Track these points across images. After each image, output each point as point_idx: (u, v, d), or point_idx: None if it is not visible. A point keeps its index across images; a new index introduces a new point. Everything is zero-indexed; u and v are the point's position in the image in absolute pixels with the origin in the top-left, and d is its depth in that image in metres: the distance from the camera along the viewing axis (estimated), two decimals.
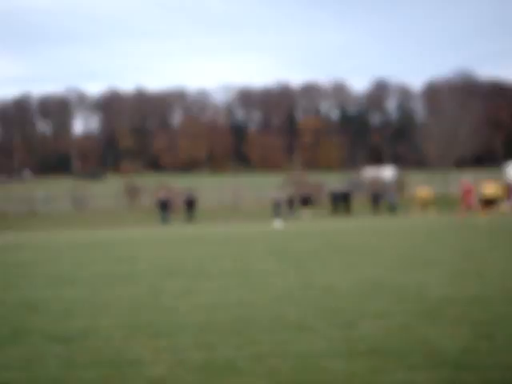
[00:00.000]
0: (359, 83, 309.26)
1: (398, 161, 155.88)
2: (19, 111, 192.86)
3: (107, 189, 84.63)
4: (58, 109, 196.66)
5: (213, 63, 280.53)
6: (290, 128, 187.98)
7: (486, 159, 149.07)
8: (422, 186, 53.26)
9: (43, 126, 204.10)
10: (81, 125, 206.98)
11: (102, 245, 30.09)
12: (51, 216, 68.85)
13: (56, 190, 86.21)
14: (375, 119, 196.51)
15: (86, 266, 20.44)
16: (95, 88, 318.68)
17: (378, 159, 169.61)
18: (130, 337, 9.51)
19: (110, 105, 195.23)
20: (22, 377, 7.63)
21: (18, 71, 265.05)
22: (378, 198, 61.23)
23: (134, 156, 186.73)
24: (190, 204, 59.38)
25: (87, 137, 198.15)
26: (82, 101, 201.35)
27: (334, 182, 72.16)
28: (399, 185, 74.66)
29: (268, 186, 73.12)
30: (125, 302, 12.77)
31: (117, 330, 10.03)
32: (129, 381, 7.30)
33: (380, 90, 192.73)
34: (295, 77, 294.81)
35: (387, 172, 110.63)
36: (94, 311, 11.80)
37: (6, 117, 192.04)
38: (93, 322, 10.78)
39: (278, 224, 27.58)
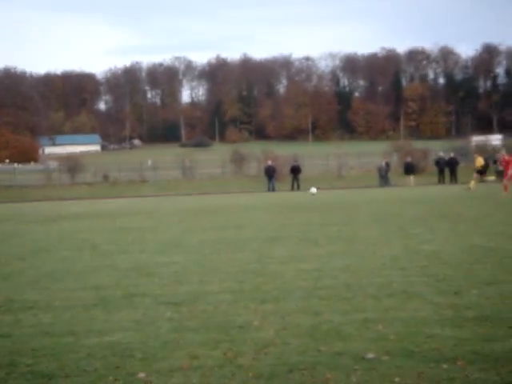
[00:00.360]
0: (467, 48, 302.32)
1: (507, 127, 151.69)
2: (129, 80, 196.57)
3: (214, 157, 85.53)
4: (167, 78, 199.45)
5: (318, 31, 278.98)
6: (396, 95, 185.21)
7: None
8: (478, 155, 51.49)
9: (152, 95, 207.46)
10: (188, 93, 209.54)
11: (209, 211, 30.52)
12: (160, 183, 70.14)
13: (164, 157, 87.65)
14: (483, 85, 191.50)
15: (194, 232, 20.80)
16: (202, 57, 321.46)
17: (485, 126, 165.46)
18: (237, 301, 9.69)
19: (217, 73, 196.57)
20: (135, 338, 7.90)
21: (129, 41, 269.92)
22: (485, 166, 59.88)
23: (239, 124, 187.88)
24: (295, 172, 59.41)
25: (194, 105, 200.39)
26: (190, 70, 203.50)
27: (439, 149, 70.87)
28: (507, 152, 72.67)
29: (372, 153, 72.49)
30: (232, 267, 12.98)
31: (225, 294, 10.23)
32: (237, 344, 7.46)
33: (488, 55, 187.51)
34: (401, 43, 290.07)
35: (495, 139, 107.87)
36: (202, 276, 12.04)
37: (118, 86, 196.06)
38: (201, 286, 11.02)
39: (313, 190, 27.80)
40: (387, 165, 59.17)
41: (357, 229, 19.52)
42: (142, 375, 6.49)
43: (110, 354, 7.26)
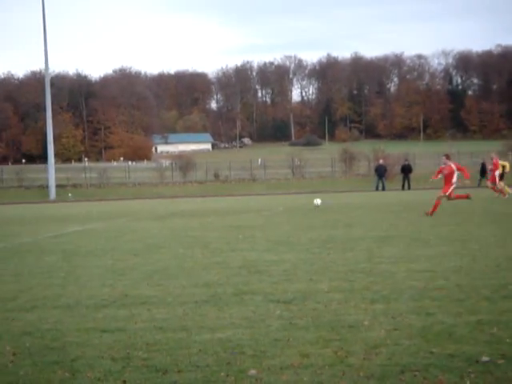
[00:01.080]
0: None
1: None
2: (240, 80, 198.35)
3: (323, 155, 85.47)
4: (277, 77, 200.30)
5: (430, 28, 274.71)
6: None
7: None
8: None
9: (262, 94, 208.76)
10: (298, 92, 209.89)
11: (319, 210, 30.49)
12: (269, 182, 70.57)
13: (274, 156, 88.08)
14: None
15: (303, 230, 20.82)
16: (313, 56, 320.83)
17: None
18: (347, 301, 9.64)
19: (327, 72, 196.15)
20: (246, 335, 7.95)
21: (240, 40, 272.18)
22: None
23: (349, 123, 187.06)
24: (406, 171, 58.77)
25: (304, 104, 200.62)
26: (300, 68, 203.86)
27: None
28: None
29: (486, 153, 70.99)
30: (342, 266, 12.92)
31: (335, 293, 10.19)
32: (348, 344, 7.42)
33: None
34: None
35: None
36: (312, 275, 12.03)
37: (229, 85, 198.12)
38: (311, 285, 11.01)
39: (317, 202, 27.01)
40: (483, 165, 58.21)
41: (470, 229, 19.15)
42: (253, 372, 6.53)
43: (221, 350, 7.34)
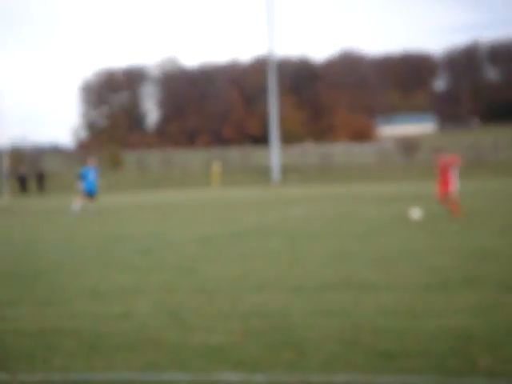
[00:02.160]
0: None
1: None
2: (468, 59, 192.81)
3: None
4: (508, 55, 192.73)
5: None
6: None
7: None
8: None
9: (492, 74, 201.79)
10: None
11: None
12: (501, 164, 68.11)
13: (504, 138, 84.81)
14: None
15: None
16: None
17: None
18: None
19: None
20: (476, 323, 7.62)
21: (468, 18, 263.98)
22: None
23: None
24: None
25: None
26: None
27: None
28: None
29: None
30: None
31: None
32: None
33: None
34: None
35: None
36: None
37: (456, 65, 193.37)
38: None
39: (415, 214, 21.31)
40: None
41: None
42: (484, 362, 6.23)
43: (451, 337, 7.07)
